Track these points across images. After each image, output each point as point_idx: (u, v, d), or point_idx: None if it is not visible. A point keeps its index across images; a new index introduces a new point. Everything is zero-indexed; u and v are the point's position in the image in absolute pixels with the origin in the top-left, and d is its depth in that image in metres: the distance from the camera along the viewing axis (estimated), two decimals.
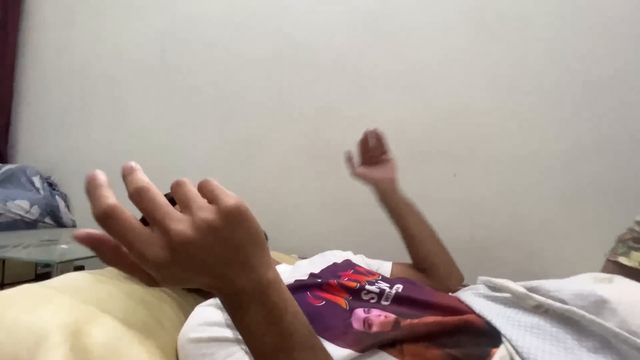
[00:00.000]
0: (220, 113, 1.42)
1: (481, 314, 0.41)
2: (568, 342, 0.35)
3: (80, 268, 0.81)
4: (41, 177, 1.69)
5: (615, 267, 0.58)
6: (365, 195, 1.09)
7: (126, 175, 0.26)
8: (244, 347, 0.39)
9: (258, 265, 0.27)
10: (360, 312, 0.43)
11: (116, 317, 0.48)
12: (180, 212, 0.26)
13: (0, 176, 1.65)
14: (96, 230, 0.25)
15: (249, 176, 1.34)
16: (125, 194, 0.26)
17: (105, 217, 0.24)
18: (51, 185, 1.71)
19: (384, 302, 0.47)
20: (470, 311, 0.43)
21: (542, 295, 0.41)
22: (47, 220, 1.60)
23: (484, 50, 1.08)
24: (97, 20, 1.67)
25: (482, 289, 0.49)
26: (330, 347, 0.39)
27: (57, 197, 1.66)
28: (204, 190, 0.27)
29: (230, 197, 0.26)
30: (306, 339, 0.29)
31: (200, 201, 0.26)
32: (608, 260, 0.60)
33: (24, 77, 1.89)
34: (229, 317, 0.31)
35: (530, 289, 0.42)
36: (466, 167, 1.09)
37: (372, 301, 0.47)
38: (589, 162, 1.00)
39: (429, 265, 0.71)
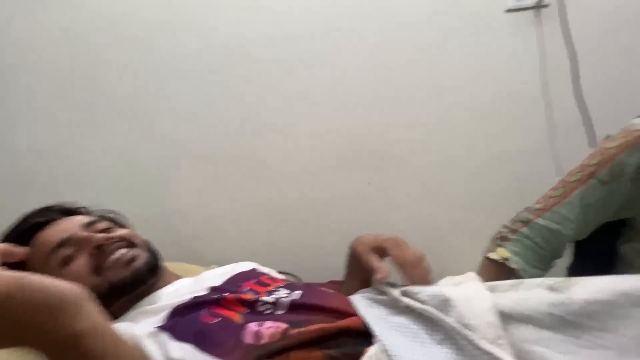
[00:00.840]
0: (138, 116, 1.23)
1: (362, 316, 0.46)
2: (424, 337, 0.41)
3: None
4: None
5: (485, 262, 0.68)
6: (290, 206, 1.19)
7: None
8: None
9: (58, 325, 0.31)
10: (252, 326, 0.45)
11: None
12: None
13: None
14: None
15: (170, 186, 1.20)
16: None
17: None
18: None
19: (278, 312, 0.48)
20: (355, 314, 0.47)
21: (410, 297, 0.47)
22: None
23: (400, 63, 1.12)
24: None
25: (370, 291, 0.54)
26: None
27: None
28: None
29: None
30: None
31: None
32: (484, 257, 0.69)
33: None
34: None
35: (403, 292, 0.48)
36: (381, 175, 1.13)
37: (267, 312, 0.48)
38: (495, 172, 1.09)
39: None
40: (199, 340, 0.43)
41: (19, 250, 0.41)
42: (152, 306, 0.52)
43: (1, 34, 1.29)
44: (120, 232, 0.60)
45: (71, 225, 0.57)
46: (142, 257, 0.57)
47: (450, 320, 0.40)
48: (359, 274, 0.61)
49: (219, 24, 1.19)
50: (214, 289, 0.53)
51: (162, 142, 1.21)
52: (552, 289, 0.41)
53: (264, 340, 0.42)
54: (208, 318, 0.47)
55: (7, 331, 0.30)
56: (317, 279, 0.85)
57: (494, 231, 0.76)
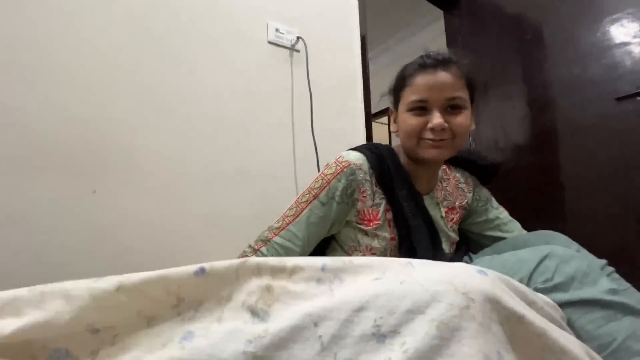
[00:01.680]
0: None
1: None
2: None
3: None
4: None
5: None
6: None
7: None
8: None
9: None
10: None
11: None
12: None
13: None
14: None
15: None
16: None
17: None
18: None
19: None
20: None
21: None
22: None
23: (136, 62, 0.97)
24: None
25: None
26: None
27: None
28: None
29: None
30: None
31: None
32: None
33: None
34: None
35: None
36: (108, 183, 0.90)
37: None
38: (240, 188, 1.09)
39: None
40: None
41: None
42: None
43: None
44: None
45: None
46: None
47: None
48: None
49: None
50: None
51: None
52: (254, 312, 0.41)
53: None
54: None
55: None
56: None
57: (236, 248, 0.74)
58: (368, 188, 0.76)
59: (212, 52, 1.11)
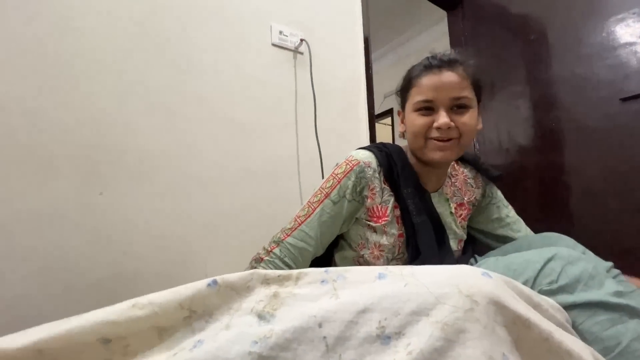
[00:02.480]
0: None
1: None
2: None
3: None
4: None
5: None
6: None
7: None
8: None
9: None
10: None
11: None
12: None
13: None
14: None
15: None
16: None
17: None
18: None
19: None
20: None
21: None
22: None
23: (145, 67, 0.98)
24: None
25: None
26: None
27: None
28: None
29: None
30: None
31: None
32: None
33: None
34: None
35: None
36: (115, 186, 0.89)
37: None
38: (245, 190, 1.09)
39: None
40: None
41: None
42: None
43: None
44: None
45: None
46: None
47: None
48: None
49: None
50: None
51: None
52: (260, 316, 0.42)
53: None
54: None
55: None
56: None
57: (241, 248, 0.78)
58: (377, 185, 0.77)
59: (217, 54, 1.12)
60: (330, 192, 0.75)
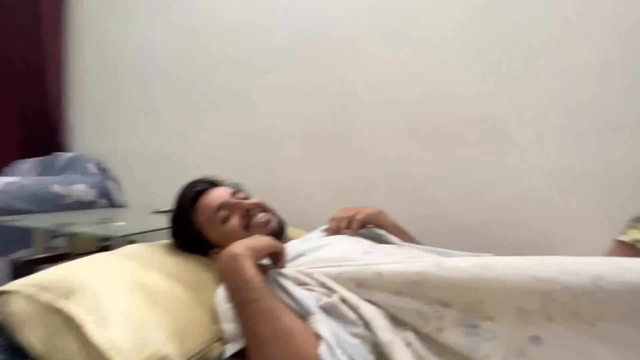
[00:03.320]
0: (243, 100, 1.50)
1: None
2: None
3: (131, 242, 0.89)
4: (95, 164, 1.96)
5: (617, 245, 0.62)
6: (377, 178, 1.22)
7: None
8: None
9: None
10: None
11: (168, 276, 0.63)
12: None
13: (62, 164, 1.97)
14: None
15: (274, 163, 1.42)
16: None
17: None
18: (103, 171, 1.96)
19: None
20: None
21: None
22: (103, 201, 1.84)
23: (493, 36, 1.07)
24: (128, 20, 1.88)
25: None
26: None
27: (109, 181, 1.92)
28: None
29: None
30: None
31: None
32: (614, 240, 0.63)
33: (71, 75, 2.17)
34: None
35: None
36: (477, 151, 1.09)
37: None
38: (598, 145, 0.96)
39: None
40: None
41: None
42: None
43: (137, 42, 1.86)
44: (256, 200, 0.79)
45: (222, 194, 0.77)
46: (274, 220, 0.78)
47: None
48: None
49: (303, 17, 1.35)
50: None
51: (261, 125, 1.45)
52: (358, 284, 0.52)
53: None
54: None
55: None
56: None
57: (601, 210, 0.82)
58: None
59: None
60: None
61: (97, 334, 0.46)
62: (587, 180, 0.97)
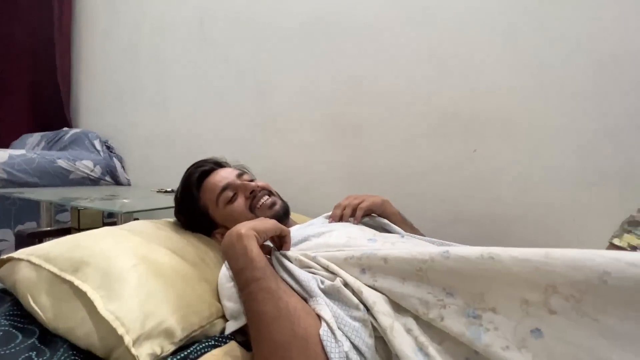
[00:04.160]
0: (254, 84, 1.49)
1: None
2: None
3: (135, 219, 0.92)
4: (100, 141, 1.98)
5: (611, 248, 0.60)
6: (385, 171, 1.19)
7: None
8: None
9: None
10: None
11: (173, 252, 0.65)
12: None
13: (68, 139, 1.99)
14: None
15: (281, 147, 1.40)
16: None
17: None
18: (109, 149, 1.99)
19: None
20: None
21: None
22: (107, 178, 1.89)
23: (511, 28, 1.01)
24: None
25: None
26: None
27: (114, 159, 1.95)
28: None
29: None
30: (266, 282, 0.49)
31: None
32: (609, 242, 0.61)
33: (80, 53, 2.26)
34: None
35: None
36: (487, 143, 1.05)
37: None
38: (610, 145, 0.92)
39: None
40: None
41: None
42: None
43: (150, 22, 1.89)
44: (261, 182, 0.80)
45: (228, 174, 0.78)
46: (279, 203, 0.78)
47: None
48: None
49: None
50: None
51: (271, 112, 1.43)
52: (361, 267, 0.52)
53: None
54: None
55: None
56: None
57: (608, 210, 0.78)
58: None
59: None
60: None
61: (104, 307, 0.47)
62: (607, 180, 0.93)
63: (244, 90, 1.51)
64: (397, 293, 0.49)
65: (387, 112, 1.19)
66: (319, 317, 0.47)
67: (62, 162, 1.73)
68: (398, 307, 0.49)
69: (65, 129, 2.13)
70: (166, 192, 1.48)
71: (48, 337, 0.50)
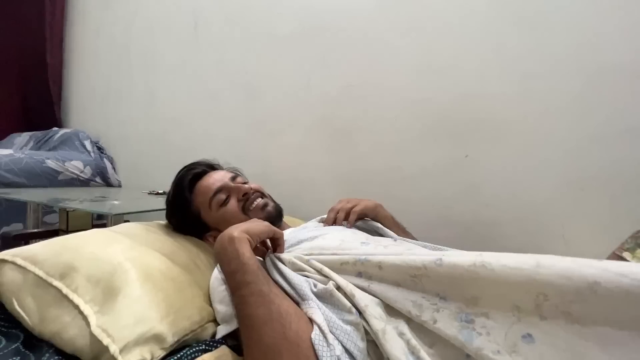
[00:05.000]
0: (246, 87, 1.49)
1: None
2: None
3: (126, 221, 0.90)
4: (91, 141, 1.95)
5: (613, 259, 0.59)
6: (374, 170, 1.20)
7: None
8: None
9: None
10: None
11: (164, 255, 0.63)
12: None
13: (58, 139, 1.96)
14: None
15: (273, 150, 1.41)
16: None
17: None
18: (100, 149, 1.96)
19: None
20: None
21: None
22: (97, 180, 1.85)
23: (502, 35, 1.03)
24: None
25: None
26: None
27: (105, 159, 1.91)
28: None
29: None
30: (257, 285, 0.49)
31: None
32: (614, 253, 0.59)
33: (72, 51, 2.24)
34: None
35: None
36: (477, 148, 1.06)
37: None
38: (598, 150, 0.92)
39: None
40: None
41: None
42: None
43: (142, 22, 1.89)
44: (254, 185, 0.80)
45: (221, 177, 0.78)
46: (271, 205, 0.79)
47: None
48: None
49: (315, 5, 1.31)
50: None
51: (263, 115, 1.44)
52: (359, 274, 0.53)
53: None
54: None
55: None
56: None
57: (595, 214, 0.81)
58: None
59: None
60: None
61: (96, 325, 0.46)
62: (595, 185, 0.94)
63: (237, 93, 1.51)
64: (391, 296, 0.49)
65: (378, 117, 1.20)
66: (311, 320, 0.46)
67: (51, 163, 1.69)
68: (390, 311, 0.49)
69: (55, 128, 2.09)
70: (157, 194, 1.47)
71: (33, 341, 0.49)
